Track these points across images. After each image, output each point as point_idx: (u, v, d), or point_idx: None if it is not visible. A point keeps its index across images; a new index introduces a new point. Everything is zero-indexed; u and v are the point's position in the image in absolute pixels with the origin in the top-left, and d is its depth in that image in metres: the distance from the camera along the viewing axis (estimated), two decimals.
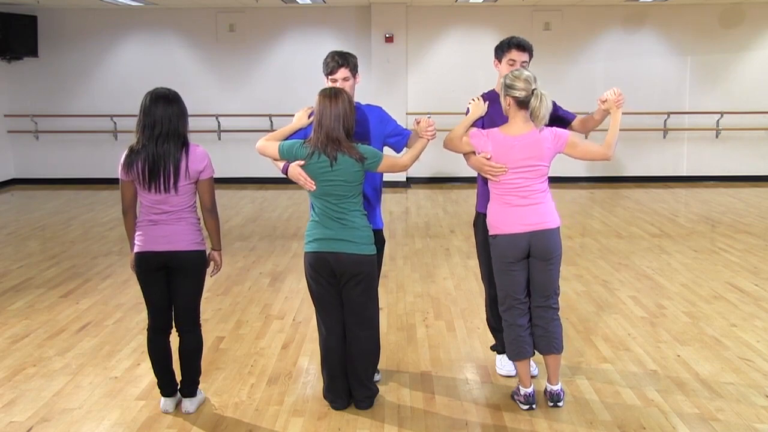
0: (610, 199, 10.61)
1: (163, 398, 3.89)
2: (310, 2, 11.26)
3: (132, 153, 3.63)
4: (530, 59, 4.09)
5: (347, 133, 3.60)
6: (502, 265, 3.80)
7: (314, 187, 3.63)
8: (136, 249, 3.74)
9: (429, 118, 3.89)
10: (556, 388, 3.86)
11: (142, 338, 4.95)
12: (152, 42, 11.99)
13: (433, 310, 5.54)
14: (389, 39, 11.53)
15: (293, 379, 4.28)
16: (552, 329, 3.79)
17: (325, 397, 3.93)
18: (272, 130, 11.67)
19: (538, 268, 3.77)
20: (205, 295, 5.89)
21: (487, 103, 3.92)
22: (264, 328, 5.17)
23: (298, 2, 11.20)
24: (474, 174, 4.00)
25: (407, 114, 11.33)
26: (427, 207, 10.10)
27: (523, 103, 3.64)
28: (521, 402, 3.85)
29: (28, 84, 12.03)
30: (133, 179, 3.65)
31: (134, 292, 6.02)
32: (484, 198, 4.01)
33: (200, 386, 3.98)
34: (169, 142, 3.59)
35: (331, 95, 3.61)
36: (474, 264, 6.87)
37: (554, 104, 4.09)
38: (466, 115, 3.91)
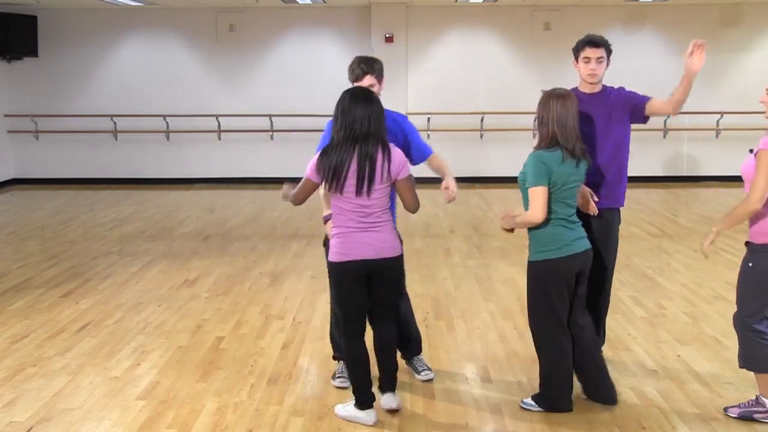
0: None
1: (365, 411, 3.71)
2: (310, 2, 11.26)
3: (326, 154, 3.50)
4: (608, 55, 4.05)
5: None
6: None
7: None
8: (338, 258, 3.59)
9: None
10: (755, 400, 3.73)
11: (143, 338, 4.96)
12: (152, 42, 11.98)
13: (433, 310, 5.53)
14: (389, 39, 11.52)
15: (293, 379, 4.28)
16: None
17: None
18: (272, 130, 11.80)
19: None
20: (204, 295, 5.97)
21: None
22: (264, 328, 5.17)
23: (298, 2, 11.20)
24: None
25: (407, 114, 11.31)
26: (427, 207, 10.08)
27: None
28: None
29: (28, 84, 12.03)
30: (324, 180, 3.51)
31: (134, 292, 6.03)
32: None
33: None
34: (369, 142, 3.47)
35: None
36: (474, 264, 6.89)
37: (626, 92, 4.15)
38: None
